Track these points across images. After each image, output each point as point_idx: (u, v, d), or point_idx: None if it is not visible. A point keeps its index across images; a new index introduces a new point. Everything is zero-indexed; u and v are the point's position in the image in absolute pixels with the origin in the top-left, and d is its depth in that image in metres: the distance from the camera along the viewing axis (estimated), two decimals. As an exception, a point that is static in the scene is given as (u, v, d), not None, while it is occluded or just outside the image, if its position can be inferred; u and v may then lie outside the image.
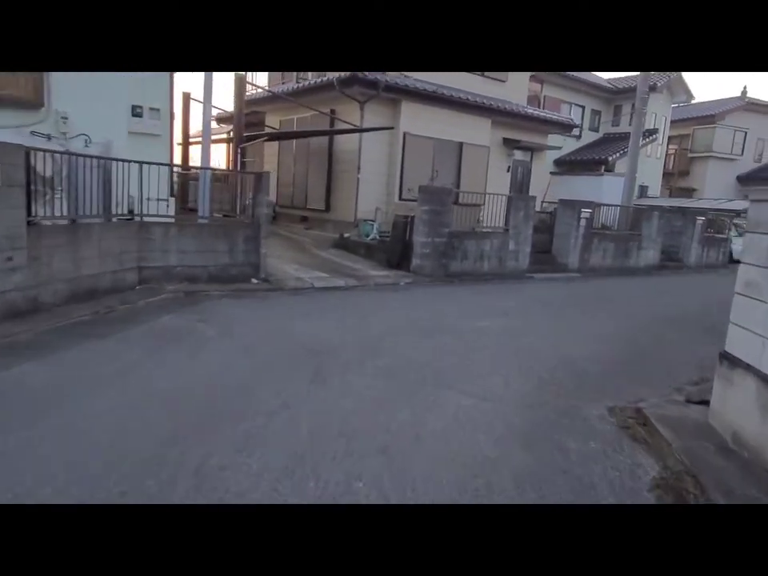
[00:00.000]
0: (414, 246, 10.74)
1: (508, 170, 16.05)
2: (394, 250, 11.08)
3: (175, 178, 15.35)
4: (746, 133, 27.09)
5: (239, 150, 9.99)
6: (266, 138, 10.42)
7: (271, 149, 16.03)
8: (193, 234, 8.08)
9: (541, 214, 14.39)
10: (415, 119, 12.97)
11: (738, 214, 20.02)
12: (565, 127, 17.31)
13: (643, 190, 22.84)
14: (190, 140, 13.54)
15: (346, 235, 12.72)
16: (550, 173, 20.72)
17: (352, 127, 11.37)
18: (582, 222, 13.57)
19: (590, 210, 13.66)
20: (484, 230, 11.97)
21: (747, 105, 27.31)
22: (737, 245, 19.65)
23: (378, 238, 12.30)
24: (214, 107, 14.21)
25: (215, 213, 11.77)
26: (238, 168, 10.22)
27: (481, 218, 13.16)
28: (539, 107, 18.42)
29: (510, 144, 15.69)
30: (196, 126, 14.24)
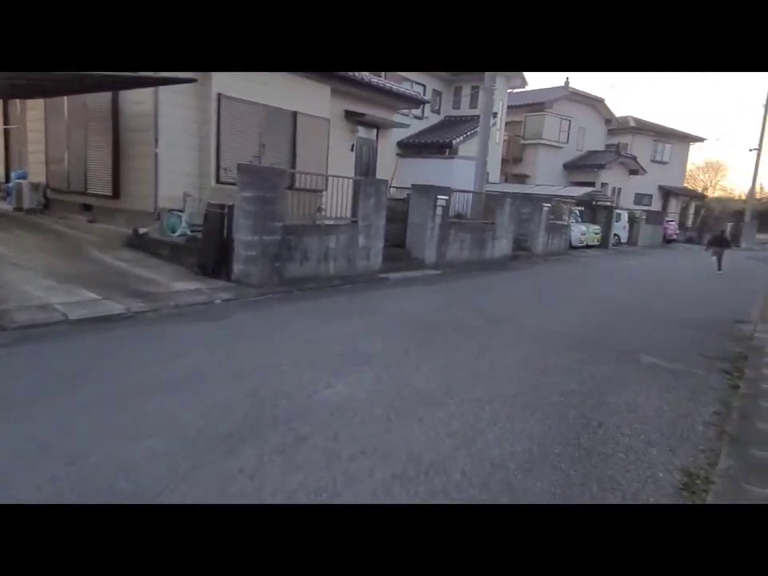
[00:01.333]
0: (235, 246, 7.91)
1: (352, 149, 13.76)
2: (208, 252, 8.12)
3: None
4: (570, 121, 28.32)
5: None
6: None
7: (35, 112, 11.79)
8: None
9: (391, 201, 12.35)
10: (234, 79, 9.95)
11: (576, 201, 20.22)
12: (413, 102, 15.52)
13: (486, 175, 22.24)
14: None
15: (143, 231, 9.37)
16: (396, 155, 18.96)
17: (130, 76, 7.69)
18: (439, 211, 11.82)
19: (447, 198, 11.96)
20: (328, 223, 9.51)
21: (570, 95, 28.57)
22: (575, 232, 19.83)
23: (188, 233, 9.18)
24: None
25: None
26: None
27: (323, 206, 10.66)
28: (382, 81, 16.38)
29: (353, 118, 13.38)
30: None
